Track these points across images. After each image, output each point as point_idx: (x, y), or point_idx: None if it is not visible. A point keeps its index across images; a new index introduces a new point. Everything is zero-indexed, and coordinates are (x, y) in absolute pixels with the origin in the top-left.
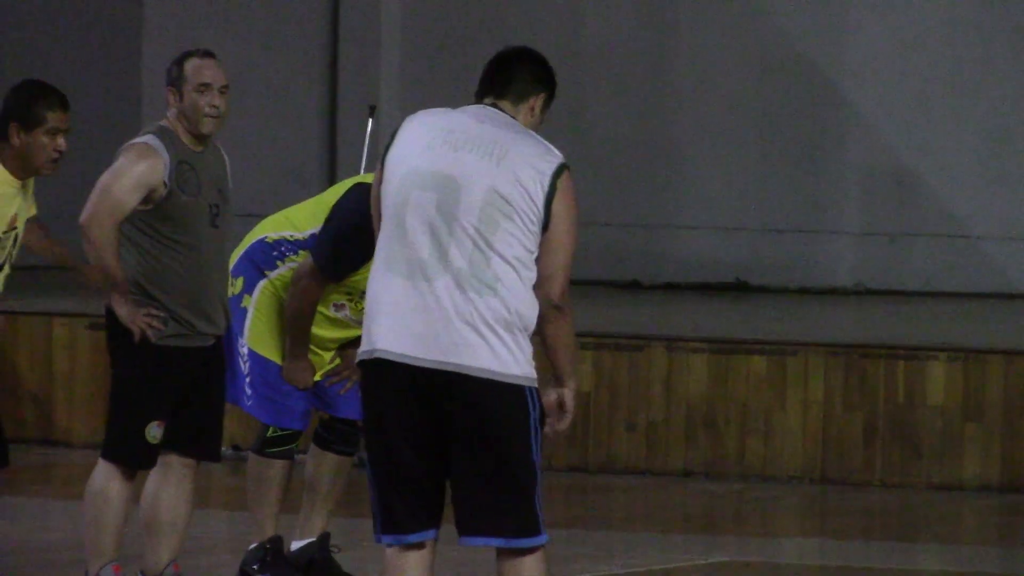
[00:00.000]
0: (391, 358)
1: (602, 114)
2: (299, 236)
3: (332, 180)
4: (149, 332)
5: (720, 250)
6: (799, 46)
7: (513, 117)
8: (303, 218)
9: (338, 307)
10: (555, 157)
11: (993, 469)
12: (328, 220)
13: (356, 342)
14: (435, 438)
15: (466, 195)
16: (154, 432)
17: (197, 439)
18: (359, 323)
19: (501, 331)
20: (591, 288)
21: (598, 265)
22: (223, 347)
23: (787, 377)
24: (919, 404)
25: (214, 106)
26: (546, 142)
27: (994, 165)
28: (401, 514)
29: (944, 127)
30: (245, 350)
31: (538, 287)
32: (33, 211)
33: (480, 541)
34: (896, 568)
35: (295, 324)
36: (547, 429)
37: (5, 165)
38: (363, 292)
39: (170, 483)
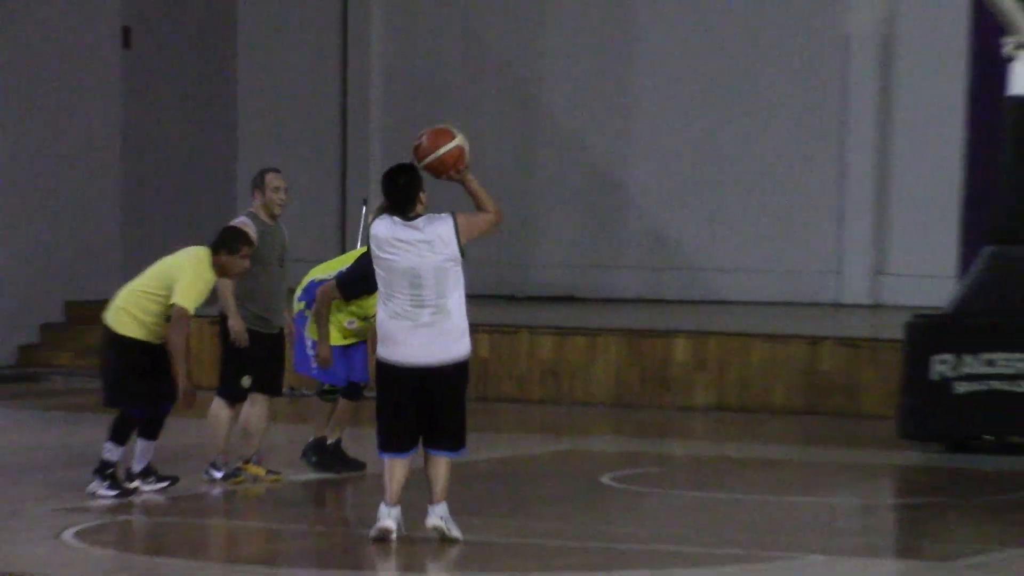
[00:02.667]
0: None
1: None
2: (330, 276)
3: (342, 246)
4: (240, 340)
5: (559, 276)
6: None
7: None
8: (333, 267)
9: (350, 324)
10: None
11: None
12: (351, 267)
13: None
14: (421, 400)
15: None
16: (245, 382)
17: (271, 384)
18: (362, 335)
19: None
20: (483, 299)
21: (486, 285)
22: (283, 336)
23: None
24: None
25: (281, 201)
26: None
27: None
28: (398, 441)
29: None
30: (309, 341)
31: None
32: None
33: (439, 453)
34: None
35: (318, 318)
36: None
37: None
38: (367, 316)
39: (254, 409)
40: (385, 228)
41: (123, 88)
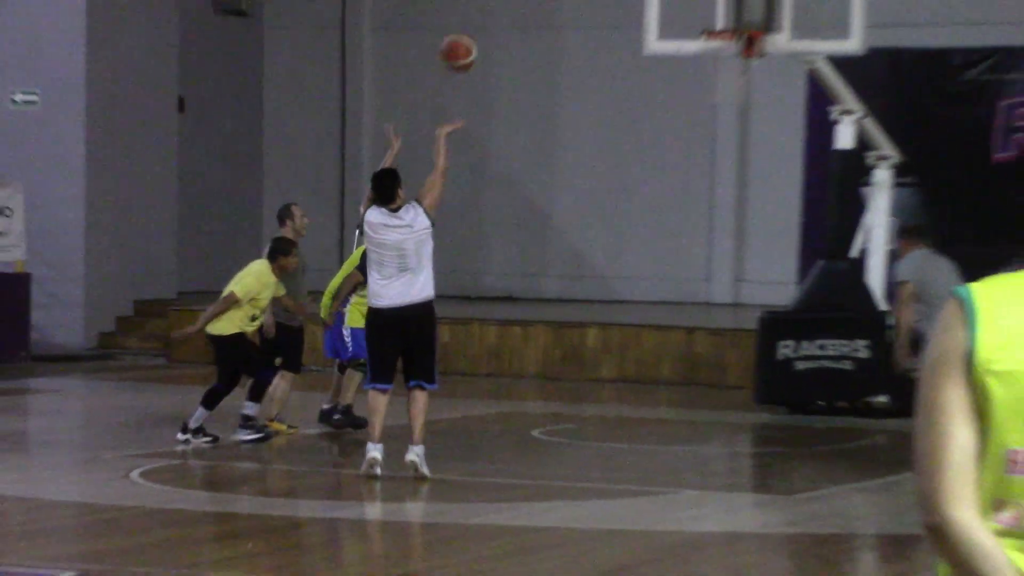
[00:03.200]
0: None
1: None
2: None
3: (340, 259)
4: (268, 331)
5: (500, 282)
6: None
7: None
8: (348, 268)
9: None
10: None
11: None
12: (363, 260)
13: None
14: (401, 338)
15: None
16: (277, 361)
17: (294, 363)
18: None
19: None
20: (443, 299)
21: (446, 288)
22: (303, 328)
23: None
24: (583, 346)
25: (305, 225)
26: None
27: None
28: (383, 373)
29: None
30: (347, 331)
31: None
32: (281, 291)
33: (417, 384)
34: None
35: (339, 294)
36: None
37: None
38: None
39: (282, 382)
40: (375, 216)
41: (178, 141)
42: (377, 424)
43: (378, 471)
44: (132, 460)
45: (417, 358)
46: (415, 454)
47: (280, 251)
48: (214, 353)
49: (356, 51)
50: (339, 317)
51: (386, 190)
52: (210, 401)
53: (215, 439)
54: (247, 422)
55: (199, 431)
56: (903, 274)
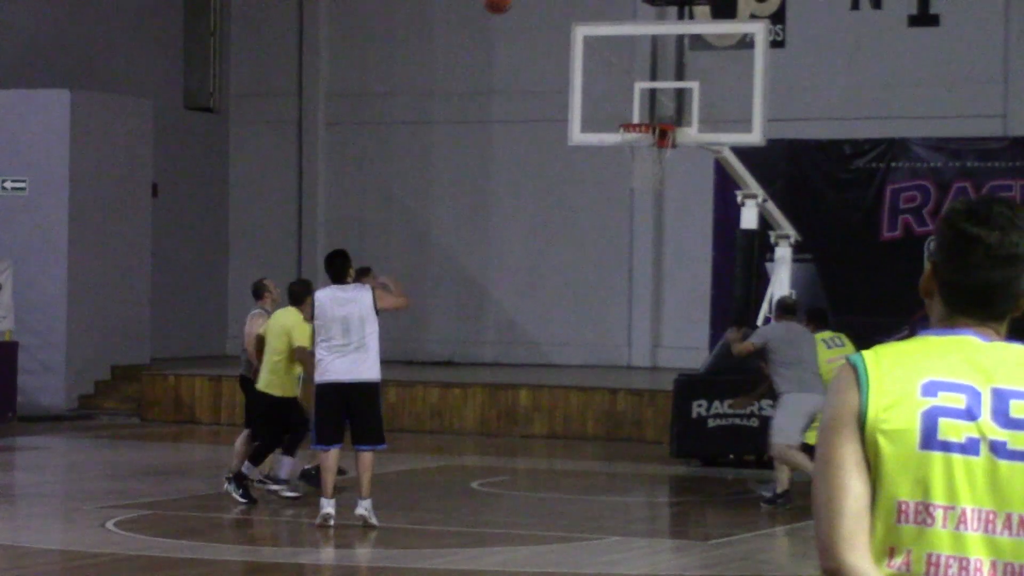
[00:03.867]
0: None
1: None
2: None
3: None
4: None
5: (441, 348)
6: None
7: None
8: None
9: None
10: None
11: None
12: None
13: None
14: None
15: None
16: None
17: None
18: None
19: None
20: (391, 363)
21: (392, 353)
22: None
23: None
24: (517, 405)
25: (279, 297)
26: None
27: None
28: (329, 437)
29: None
30: None
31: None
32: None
33: (363, 447)
34: None
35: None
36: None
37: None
38: None
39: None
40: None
41: (152, 223)
42: (329, 481)
43: (331, 523)
44: (108, 511)
45: (363, 425)
46: (364, 508)
47: (303, 294)
48: (263, 410)
49: (311, 143)
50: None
51: (337, 269)
52: (259, 458)
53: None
54: (243, 480)
55: (238, 480)
56: (756, 335)
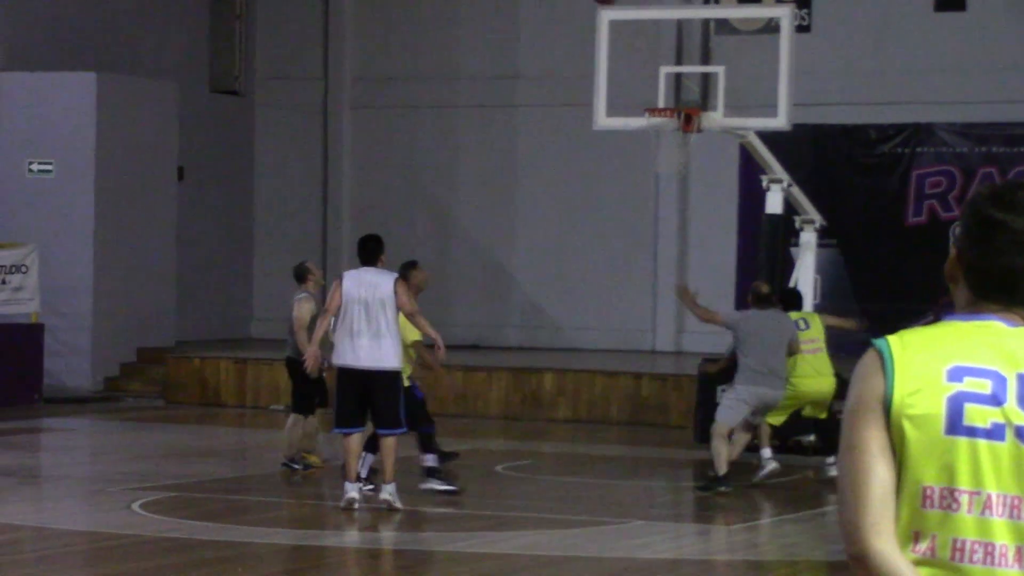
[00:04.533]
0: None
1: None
2: None
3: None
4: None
5: (467, 332)
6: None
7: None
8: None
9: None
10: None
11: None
12: None
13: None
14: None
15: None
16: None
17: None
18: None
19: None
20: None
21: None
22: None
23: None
24: (541, 389)
25: (322, 280)
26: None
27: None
28: (348, 419)
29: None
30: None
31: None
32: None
33: (384, 432)
34: None
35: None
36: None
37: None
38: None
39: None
40: (351, 274)
41: (177, 207)
42: (352, 465)
43: (356, 507)
44: (134, 492)
45: (382, 410)
46: (387, 492)
47: (412, 266)
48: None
49: (336, 127)
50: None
51: (369, 252)
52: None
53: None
54: (436, 473)
55: (436, 471)
56: (728, 315)
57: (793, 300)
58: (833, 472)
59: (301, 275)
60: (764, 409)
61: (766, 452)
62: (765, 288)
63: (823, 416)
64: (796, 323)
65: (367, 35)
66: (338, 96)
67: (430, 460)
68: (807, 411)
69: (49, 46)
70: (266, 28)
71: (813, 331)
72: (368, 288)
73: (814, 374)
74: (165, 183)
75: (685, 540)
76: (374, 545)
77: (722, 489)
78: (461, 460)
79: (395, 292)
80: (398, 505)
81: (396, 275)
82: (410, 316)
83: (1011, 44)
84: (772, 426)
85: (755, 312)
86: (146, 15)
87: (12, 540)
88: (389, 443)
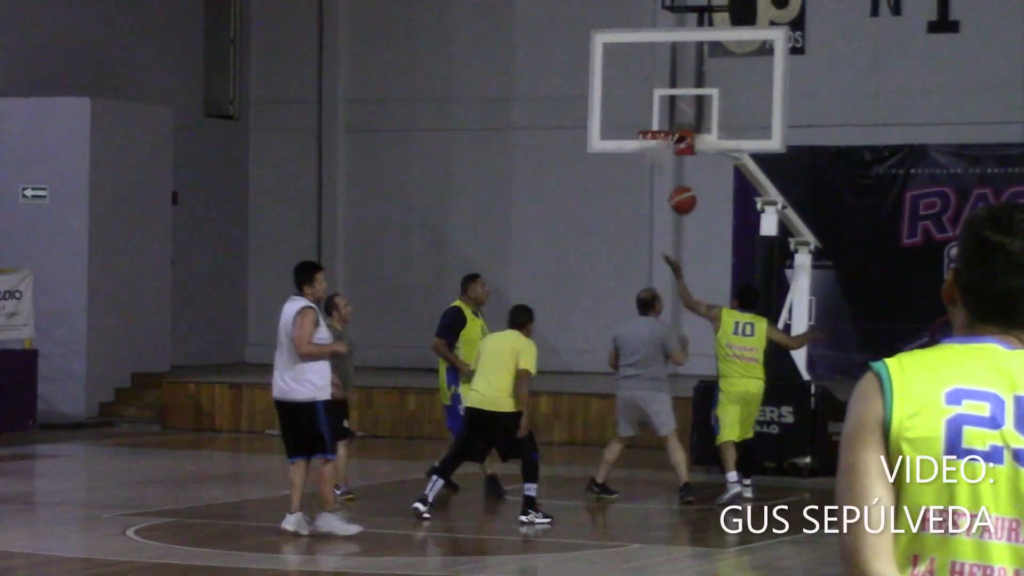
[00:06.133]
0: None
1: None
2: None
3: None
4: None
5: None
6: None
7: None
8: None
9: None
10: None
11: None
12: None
13: None
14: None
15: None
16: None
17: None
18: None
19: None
20: (413, 371)
21: (412, 360)
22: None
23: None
24: (536, 412)
25: (349, 315)
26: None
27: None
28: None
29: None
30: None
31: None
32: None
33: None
34: None
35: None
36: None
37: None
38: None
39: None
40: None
41: (172, 231)
42: (293, 497)
43: (301, 534)
44: (129, 519)
45: (308, 438)
46: (290, 522)
47: (529, 318)
48: (484, 428)
49: (331, 150)
50: (456, 397)
51: (298, 279)
52: (534, 474)
53: (551, 519)
54: (534, 504)
55: (531, 506)
56: (710, 307)
57: (747, 299)
58: (749, 494)
59: (328, 309)
60: (636, 412)
61: (731, 476)
62: (644, 294)
63: (749, 436)
64: (741, 327)
65: (361, 58)
66: (332, 119)
67: (531, 490)
68: (740, 431)
69: (43, 71)
70: (260, 52)
71: (755, 340)
72: (283, 317)
73: (742, 375)
74: (159, 207)
75: (682, 563)
76: (370, 571)
77: (689, 499)
78: (459, 484)
79: (293, 322)
80: (338, 533)
81: (303, 305)
82: (299, 350)
83: (1004, 65)
84: (740, 447)
85: (631, 321)
86: (140, 40)
87: (6, 568)
88: (319, 470)
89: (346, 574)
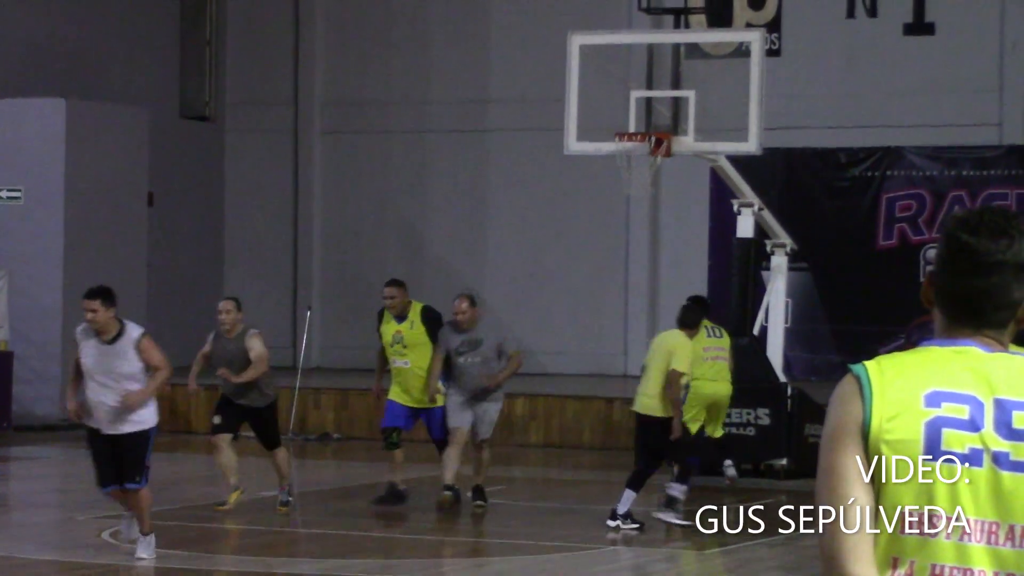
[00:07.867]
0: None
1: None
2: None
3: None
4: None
5: None
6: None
7: None
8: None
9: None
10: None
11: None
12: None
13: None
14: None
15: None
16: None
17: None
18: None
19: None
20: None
21: None
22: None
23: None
24: (512, 414)
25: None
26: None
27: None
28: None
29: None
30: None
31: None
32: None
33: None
34: None
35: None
36: None
37: None
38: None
39: (281, 453)
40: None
41: (148, 233)
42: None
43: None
44: (103, 521)
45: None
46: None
47: (700, 317)
48: (639, 433)
49: (307, 152)
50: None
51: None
52: (637, 483)
53: (641, 526)
54: (675, 504)
55: (627, 516)
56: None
57: (693, 317)
58: (676, 494)
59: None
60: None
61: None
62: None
63: (718, 435)
64: (713, 331)
65: (337, 60)
66: (309, 121)
67: (676, 490)
68: (708, 429)
69: (18, 72)
70: (236, 54)
71: (724, 341)
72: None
73: (713, 378)
74: (135, 209)
75: (657, 565)
76: (346, 572)
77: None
78: (433, 486)
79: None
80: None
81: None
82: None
83: (980, 67)
84: (716, 441)
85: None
86: (116, 41)
87: None
88: (134, 498)
89: None
